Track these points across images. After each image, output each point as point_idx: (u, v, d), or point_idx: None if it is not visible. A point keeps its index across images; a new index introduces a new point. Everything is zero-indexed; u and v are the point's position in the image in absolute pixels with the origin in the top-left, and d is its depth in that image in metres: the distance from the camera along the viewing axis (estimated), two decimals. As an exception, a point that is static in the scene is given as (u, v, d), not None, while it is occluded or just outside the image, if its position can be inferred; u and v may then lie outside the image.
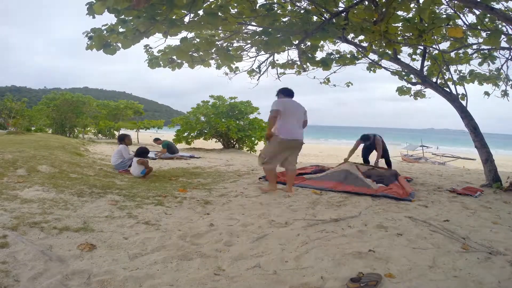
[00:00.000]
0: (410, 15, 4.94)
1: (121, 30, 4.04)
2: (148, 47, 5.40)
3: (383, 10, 4.29)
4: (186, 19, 3.85)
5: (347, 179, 5.05)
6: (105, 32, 4.16)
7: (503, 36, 4.91)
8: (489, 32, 4.43)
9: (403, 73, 6.82)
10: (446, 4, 5.09)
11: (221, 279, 1.99)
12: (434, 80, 6.33)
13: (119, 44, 4.16)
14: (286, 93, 4.53)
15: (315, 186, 4.82)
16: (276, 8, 4.50)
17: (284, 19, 4.75)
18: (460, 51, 6.57)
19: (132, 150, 6.29)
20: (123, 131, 18.65)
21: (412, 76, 6.62)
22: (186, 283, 1.93)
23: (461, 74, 7.00)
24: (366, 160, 7.07)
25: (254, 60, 7.07)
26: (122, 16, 3.68)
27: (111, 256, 2.22)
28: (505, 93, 7.00)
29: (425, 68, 6.35)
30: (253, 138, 14.66)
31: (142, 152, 5.58)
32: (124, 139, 6.33)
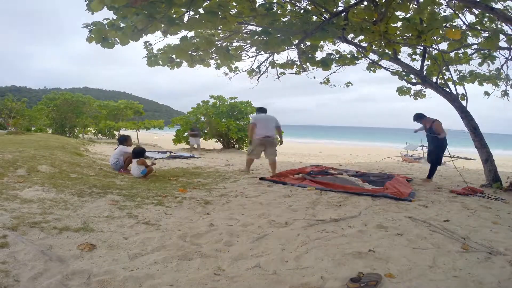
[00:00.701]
0: (409, 15, 4.93)
1: (122, 25, 4.02)
2: (148, 43, 5.39)
3: (383, 10, 4.29)
4: (186, 18, 3.84)
5: (335, 181, 5.11)
6: (106, 26, 4.13)
7: (503, 36, 4.91)
8: (488, 34, 4.43)
9: (403, 73, 6.82)
10: (445, 4, 5.09)
11: (221, 279, 1.99)
12: (434, 80, 6.33)
13: (118, 39, 4.13)
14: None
15: (309, 185, 4.88)
16: (275, 8, 4.50)
17: (283, 19, 4.74)
18: (460, 51, 6.57)
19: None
20: (123, 131, 18.67)
21: (412, 76, 6.62)
22: (186, 283, 1.93)
23: (461, 74, 7.00)
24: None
25: (254, 60, 7.09)
26: (121, 13, 3.64)
27: (111, 256, 2.22)
28: (505, 93, 7.00)
29: (425, 68, 6.35)
30: (253, 138, 14.65)
31: (140, 153, 5.58)
32: (126, 141, 6.37)
